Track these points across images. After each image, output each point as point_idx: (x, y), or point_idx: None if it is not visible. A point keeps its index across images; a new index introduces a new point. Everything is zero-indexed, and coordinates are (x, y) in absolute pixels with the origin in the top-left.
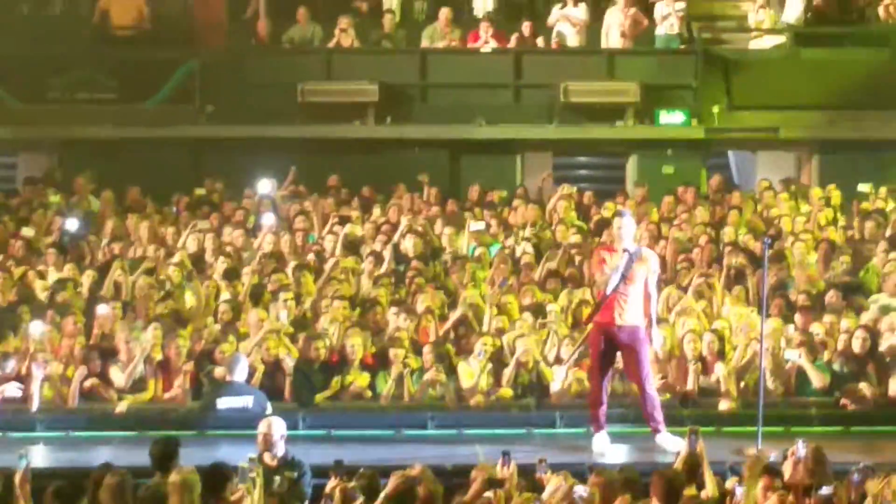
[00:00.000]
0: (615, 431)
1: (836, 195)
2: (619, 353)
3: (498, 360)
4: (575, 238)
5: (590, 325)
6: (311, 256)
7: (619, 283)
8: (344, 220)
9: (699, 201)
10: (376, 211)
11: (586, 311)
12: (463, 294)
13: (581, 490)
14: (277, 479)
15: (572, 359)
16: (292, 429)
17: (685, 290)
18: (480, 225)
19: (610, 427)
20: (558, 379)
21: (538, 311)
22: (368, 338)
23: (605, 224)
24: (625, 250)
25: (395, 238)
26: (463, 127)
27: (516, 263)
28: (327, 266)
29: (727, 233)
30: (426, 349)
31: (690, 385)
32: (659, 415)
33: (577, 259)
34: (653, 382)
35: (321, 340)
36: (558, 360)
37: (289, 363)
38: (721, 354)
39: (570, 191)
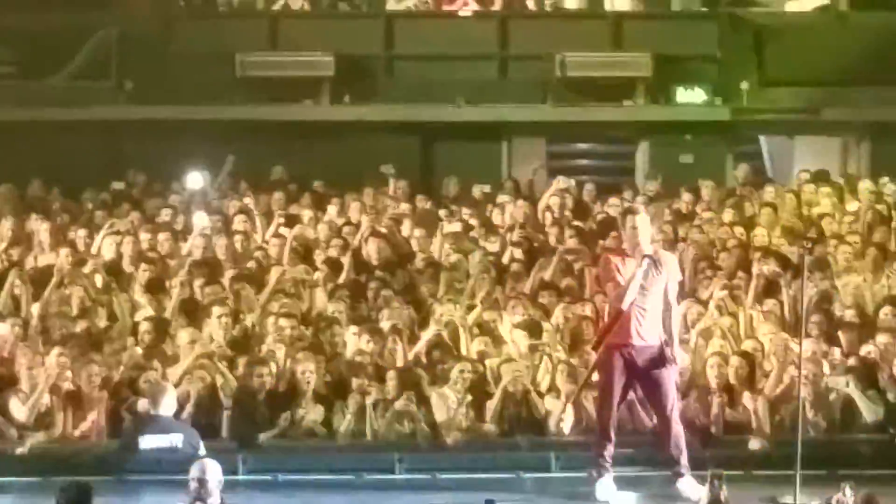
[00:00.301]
0: (623, 475)
1: (889, 189)
2: (636, 381)
3: (480, 389)
4: (573, 242)
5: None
6: (252, 264)
7: (636, 296)
8: (293, 221)
9: (724, 197)
10: (332, 209)
11: (587, 330)
12: (437, 310)
13: None
14: None
15: (576, 388)
16: (231, 473)
17: (707, 304)
18: (455, 226)
19: (617, 470)
20: (555, 413)
21: (529, 329)
22: (323, 363)
23: (609, 224)
24: (643, 255)
25: (355, 242)
26: (437, 108)
27: (502, 272)
28: (272, 276)
29: (758, 235)
30: (392, 376)
31: (714, 419)
32: (684, 456)
33: (576, 267)
34: (678, 414)
35: (265, 366)
36: (553, 390)
37: (227, 394)
38: (751, 382)
39: (567, 185)
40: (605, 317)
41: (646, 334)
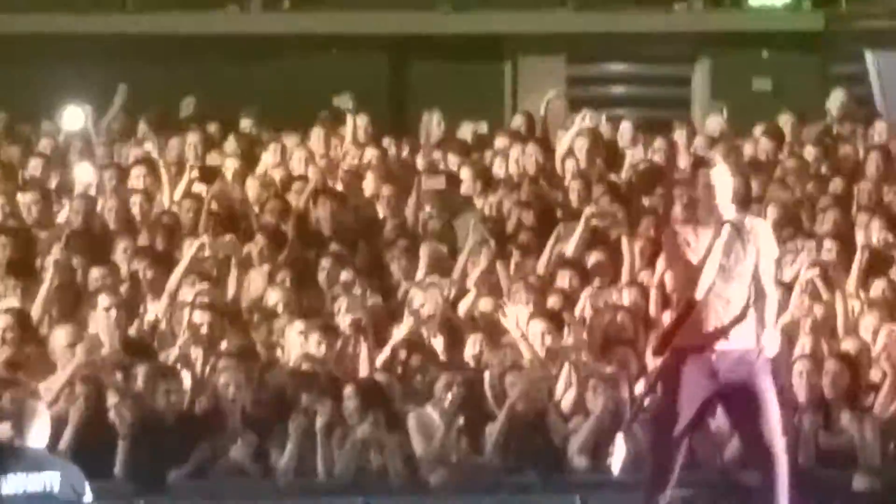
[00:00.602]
0: None
1: None
2: (717, 399)
3: (477, 408)
4: (605, 201)
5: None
6: (156, 235)
7: (715, 280)
8: (212, 174)
9: (816, 138)
10: (267, 158)
11: (627, 326)
12: (415, 297)
13: None
14: None
15: (631, 411)
16: None
17: (791, 287)
18: (440, 180)
19: None
20: (584, 444)
21: (546, 324)
22: (256, 373)
23: (655, 176)
24: (722, 222)
25: (300, 203)
26: (413, 15)
27: (505, 244)
28: (185, 251)
29: (863, 191)
30: (352, 391)
31: (804, 446)
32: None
33: (611, 237)
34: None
35: (175, 379)
36: (580, 410)
37: (122, 417)
38: (854, 396)
39: (596, 122)
40: (670, 309)
41: (731, 333)
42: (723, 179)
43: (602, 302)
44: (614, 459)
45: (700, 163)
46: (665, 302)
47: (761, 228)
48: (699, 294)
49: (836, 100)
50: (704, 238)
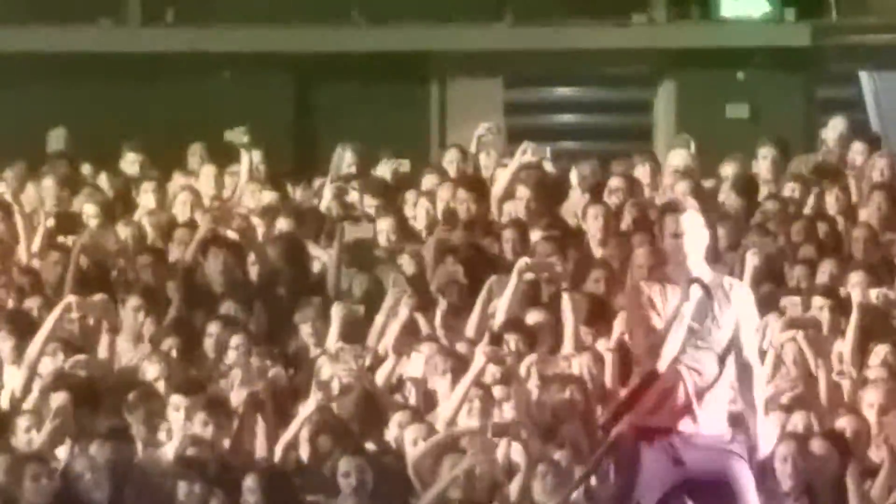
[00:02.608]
0: None
1: None
2: (677, 493)
3: (398, 499)
4: (544, 248)
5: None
6: (9, 294)
7: (685, 348)
8: (74, 222)
9: (803, 174)
10: (146, 199)
11: (575, 400)
12: (324, 367)
13: None
14: None
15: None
16: None
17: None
18: (366, 228)
19: None
20: None
21: (481, 399)
22: (132, 459)
23: (612, 220)
24: (691, 280)
25: (187, 256)
26: (322, 30)
27: (429, 302)
28: (51, 314)
29: (859, 238)
30: (253, 482)
31: None
32: None
33: (550, 291)
34: None
35: (41, 465)
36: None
37: None
38: (842, 486)
39: (538, 155)
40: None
41: (703, 413)
42: (695, 229)
43: (550, 371)
44: None
45: (668, 207)
46: (624, 372)
47: (741, 292)
48: (662, 364)
49: (830, 128)
50: (673, 298)
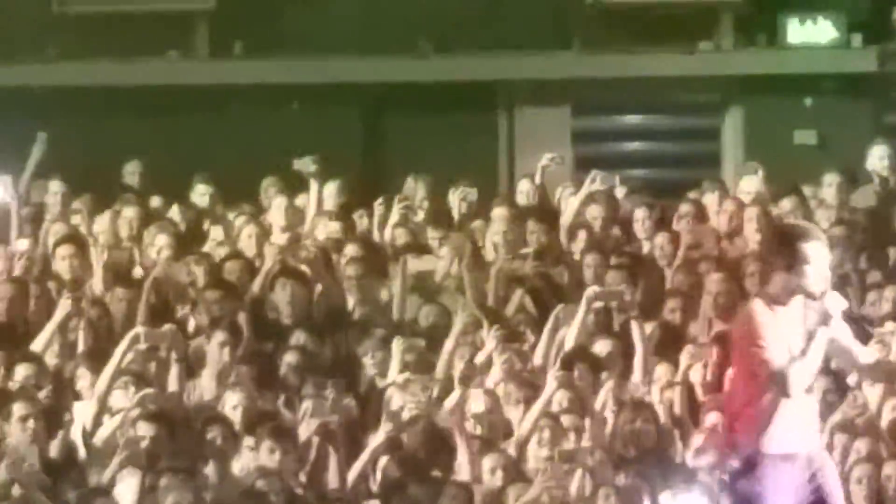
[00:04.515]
0: None
1: None
2: None
3: None
4: (615, 277)
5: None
6: (81, 324)
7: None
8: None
9: (871, 199)
10: (216, 233)
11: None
12: (394, 397)
13: None
14: None
15: None
16: None
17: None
18: (427, 260)
19: None
20: None
21: (553, 430)
22: (206, 492)
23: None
24: (808, 294)
25: (255, 288)
26: (389, 59)
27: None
28: (121, 344)
29: None
30: None
31: None
32: None
33: (621, 319)
34: None
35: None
36: None
37: None
38: None
39: (608, 184)
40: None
41: (808, 431)
42: (820, 251)
43: (627, 397)
44: None
45: (800, 233)
46: (693, 400)
47: (837, 305)
48: (800, 388)
49: (876, 154)
50: (793, 323)
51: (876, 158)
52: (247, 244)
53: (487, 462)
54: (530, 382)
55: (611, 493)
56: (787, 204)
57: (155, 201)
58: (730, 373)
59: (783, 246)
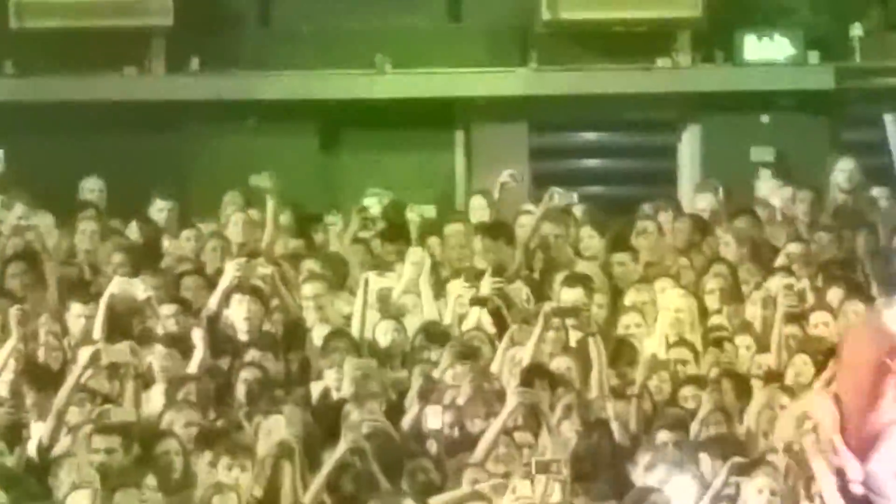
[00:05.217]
0: None
1: None
2: None
3: None
4: (571, 295)
5: None
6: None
7: None
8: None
9: (826, 218)
10: (168, 244)
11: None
12: (352, 413)
13: None
14: None
15: None
16: None
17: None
18: (390, 278)
19: None
20: None
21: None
22: None
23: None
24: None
25: (212, 305)
26: (346, 76)
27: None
28: (79, 358)
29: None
30: None
31: None
32: None
33: (578, 336)
34: None
35: None
36: None
37: None
38: None
39: (567, 200)
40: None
41: None
42: None
43: (582, 414)
44: None
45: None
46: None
47: None
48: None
49: (840, 170)
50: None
51: (839, 172)
52: (210, 258)
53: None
54: (491, 399)
55: None
56: (740, 223)
57: (113, 217)
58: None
59: None
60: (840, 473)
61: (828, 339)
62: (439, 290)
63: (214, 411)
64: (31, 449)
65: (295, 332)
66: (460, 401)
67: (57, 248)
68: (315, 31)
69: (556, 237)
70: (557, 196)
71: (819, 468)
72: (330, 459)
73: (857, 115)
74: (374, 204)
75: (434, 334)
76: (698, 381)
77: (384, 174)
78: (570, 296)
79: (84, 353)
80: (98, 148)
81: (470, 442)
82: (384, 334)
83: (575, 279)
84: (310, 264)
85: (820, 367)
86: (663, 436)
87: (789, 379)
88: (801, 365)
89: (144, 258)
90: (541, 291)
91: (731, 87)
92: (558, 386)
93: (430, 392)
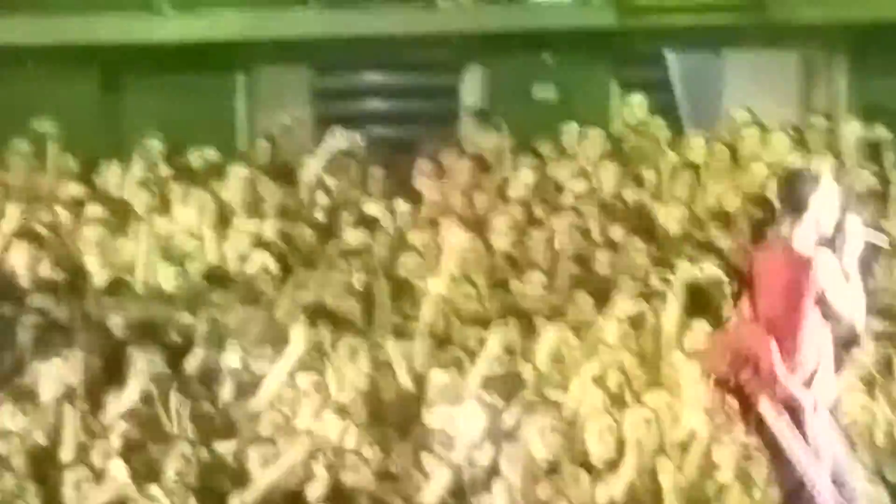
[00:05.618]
0: None
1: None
2: None
3: None
4: (356, 236)
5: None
6: None
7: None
8: None
9: (609, 154)
10: None
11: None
12: (136, 357)
13: None
14: None
15: None
16: None
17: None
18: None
19: None
20: None
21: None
22: None
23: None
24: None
25: None
26: (124, 18)
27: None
28: None
29: (672, 216)
30: None
31: None
32: None
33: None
34: None
35: None
36: None
37: None
38: None
39: (349, 141)
40: None
41: None
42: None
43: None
44: None
45: (790, 174)
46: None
47: None
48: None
49: (632, 108)
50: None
51: (627, 108)
52: None
53: None
54: (276, 342)
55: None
56: (526, 160)
57: None
58: None
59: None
60: (789, 407)
61: (610, 277)
62: (222, 233)
63: None
64: None
65: (77, 278)
66: (245, 344)
67: None
68: None
69: (339, 179)
70: (340, 136)
71: (765, 407)
72: (116, 404)
73: (639, 52)
74: (156, 147)
75: (218, 278)
76: (482, 320)
77: (167, 117)
78: (354, 237)
79: None
80: None
81: (256, 385)
82: (167, 279)
83: (359, 220)
84: (92, 209)
85: (601, 305)
86: (441, 376)
87: (571, 316)
88: (583, 304)
89: None
90: (326, 233)
91: (514, 26)
92: (342, 326)
93: (214, 336)
